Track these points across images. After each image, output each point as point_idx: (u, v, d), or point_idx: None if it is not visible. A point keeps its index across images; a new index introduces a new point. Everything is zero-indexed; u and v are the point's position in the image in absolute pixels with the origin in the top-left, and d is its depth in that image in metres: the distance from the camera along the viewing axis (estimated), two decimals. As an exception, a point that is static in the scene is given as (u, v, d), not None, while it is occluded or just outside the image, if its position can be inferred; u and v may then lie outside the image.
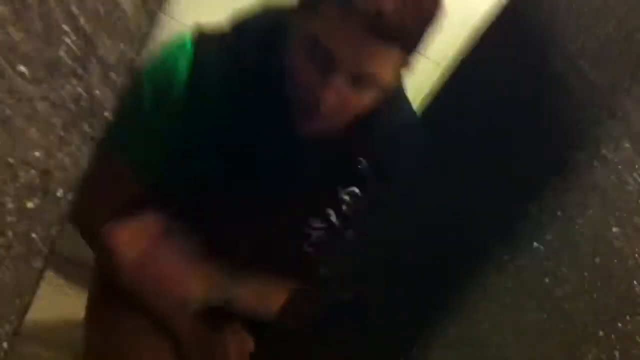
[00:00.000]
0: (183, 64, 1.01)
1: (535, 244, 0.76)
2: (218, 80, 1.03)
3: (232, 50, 1.04)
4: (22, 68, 0.52)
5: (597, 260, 0.72)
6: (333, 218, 1.13)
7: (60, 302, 1.83)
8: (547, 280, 0.74)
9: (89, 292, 1.35)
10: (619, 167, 0.72)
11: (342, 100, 0.97)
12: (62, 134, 0.57)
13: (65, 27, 0.53)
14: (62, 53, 0.54)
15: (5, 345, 0.62)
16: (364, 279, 0.96)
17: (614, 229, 0.70)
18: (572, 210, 0.74)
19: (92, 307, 1.29)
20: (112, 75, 0.58)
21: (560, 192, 0.75)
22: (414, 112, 1.18)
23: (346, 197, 1.12)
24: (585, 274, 0.72)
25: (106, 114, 0.60)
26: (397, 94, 1.15)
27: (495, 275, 0.80)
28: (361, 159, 1.11)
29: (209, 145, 1.06)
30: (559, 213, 0.75)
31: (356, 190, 1.12)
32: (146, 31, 0.58)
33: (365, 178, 1.13)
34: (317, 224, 1.14)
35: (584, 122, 0.74)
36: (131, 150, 1.04)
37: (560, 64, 0.75)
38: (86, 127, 0.58)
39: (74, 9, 0.53)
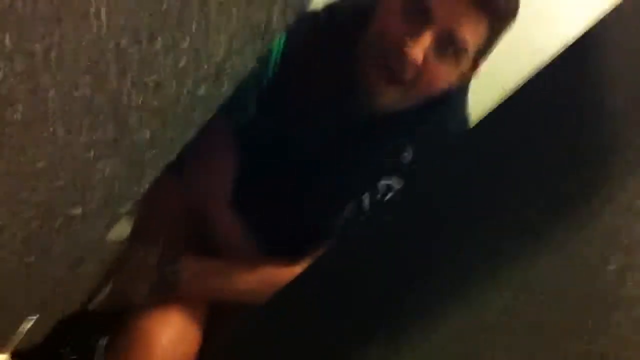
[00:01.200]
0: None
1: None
2: (305, 50, 1.17)
3: (320, 22, 1.19)
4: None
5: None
6: (366, 203, 1.15)
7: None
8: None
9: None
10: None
11: (424, 63, 1.04)
12: (241, 45, 0.78)
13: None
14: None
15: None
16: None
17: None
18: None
19: None
20: (287, 14, 0.77)
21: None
22: (467, 124, 1.23)
23: (383, 187, 1.15)
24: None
25: (273, 41, 0.78)
26: (461, 102, 1.23)
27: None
28: (408, 152, 1.15)
29: (287, 106, 1.18)
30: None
31: (396, 181, 1.15)
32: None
33: (406, 171, 1.15)
34: (352, 205, 1.16)
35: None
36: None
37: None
38: (257, 45, 0.77)
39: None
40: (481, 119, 0.89)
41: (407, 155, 1.20)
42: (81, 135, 0.73)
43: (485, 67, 1.22)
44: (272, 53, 1.17)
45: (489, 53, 1.18)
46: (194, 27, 0.72)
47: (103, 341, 1.28)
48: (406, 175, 1.20)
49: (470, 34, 1.09)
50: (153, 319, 1.20)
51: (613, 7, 0.83)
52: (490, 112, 0.87)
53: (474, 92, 1.31)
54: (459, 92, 1.25)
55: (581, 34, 0.83)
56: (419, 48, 1.06)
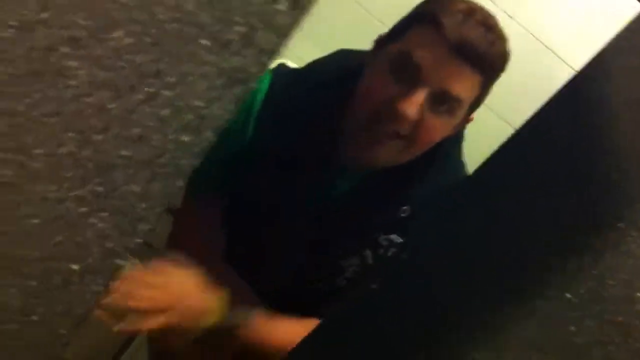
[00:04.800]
0: (262, 88, 1.18)
1: (568, 295, 0.81)
2: (286, 103, 1.17)
3: (303, 80, 1.18)
4: (204, 41, 0.82)
5: (620, 318, 0.81)
6: (369, 259, 1.13)
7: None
8: (572, 328, 0.82)
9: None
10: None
11: (419, 119, 1.04)
12: (220, 92, 0.80)
13: (239, 19, 0.81)
14: (235, 36, 0.81)
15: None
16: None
17: (638, 294, 0.79)
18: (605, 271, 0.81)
19: None
20: (262, 57, 0.80)
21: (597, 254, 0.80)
22: (464, 171, 1.22)
23: (385, 242, 1.12)
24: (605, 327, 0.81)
25: (252, 84, 0.80)
26: (454, 151, 1.22)
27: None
28: (406, 207, 1.13)
29: (269, 161, 1.17)
30: (594, 272, 0.80)
31: (396, 237, 1.14)
32: (292, 27, 0.79)
33: (406, 226, 1.14)
34: (354, 260, 1.14)
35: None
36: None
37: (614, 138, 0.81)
38: (236, 90, 0.80)
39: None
40: (489, 156, 0.85)
41: (407, 210, 1.18)
42: (71, 191, 0.75)
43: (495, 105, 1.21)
44: (252, 113, 1.18)
45: (483, 102, 1.16)
46: (171, 78, 0.74)
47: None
48: (406, 230, 1.18)
49: (464, 90, 1.09)
50: None
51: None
52: (496, 151, 0.84)
53: (479, 130, 1.27)
54: (453, 139, 1.24)
55: (584, 66, 0.81)
56: (412, 105, 1.05)
